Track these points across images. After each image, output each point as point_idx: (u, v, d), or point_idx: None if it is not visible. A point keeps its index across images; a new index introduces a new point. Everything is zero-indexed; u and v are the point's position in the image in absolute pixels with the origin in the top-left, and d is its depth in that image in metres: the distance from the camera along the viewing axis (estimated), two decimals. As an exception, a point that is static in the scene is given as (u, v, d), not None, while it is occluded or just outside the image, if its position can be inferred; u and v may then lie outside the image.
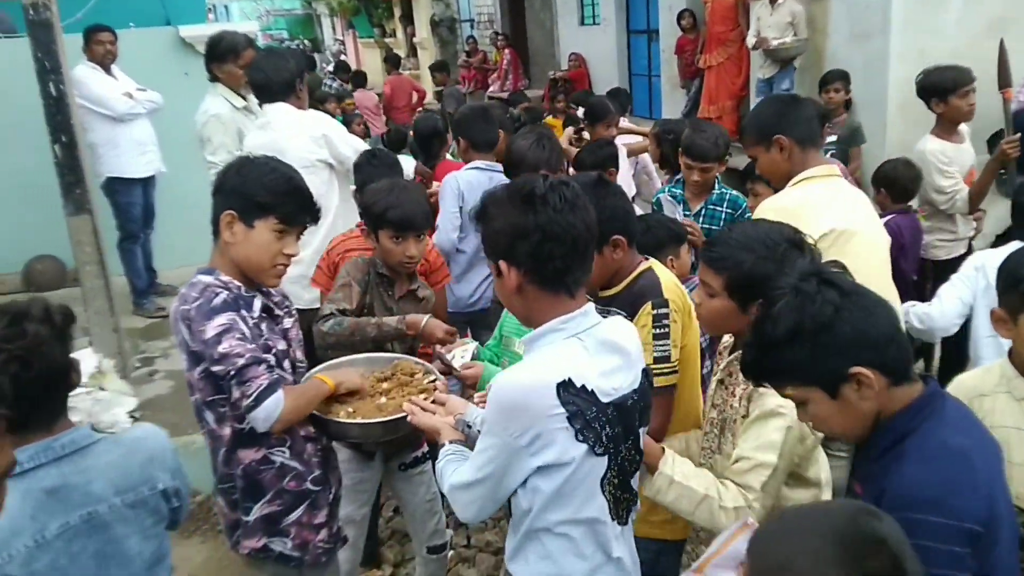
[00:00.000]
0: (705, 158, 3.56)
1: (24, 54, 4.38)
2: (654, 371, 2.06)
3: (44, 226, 5.85)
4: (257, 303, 2.10)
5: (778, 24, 7.47)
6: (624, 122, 6.36)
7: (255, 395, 1.95)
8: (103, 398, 4.31)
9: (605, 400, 1.64)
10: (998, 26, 6.81)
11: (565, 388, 1.58)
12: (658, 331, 2.16)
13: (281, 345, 2.17)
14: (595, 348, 1.65)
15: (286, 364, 2.18)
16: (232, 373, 1.95)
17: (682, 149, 3.66)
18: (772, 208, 2.61)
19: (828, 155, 5.51)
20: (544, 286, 1.65)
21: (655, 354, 2.16)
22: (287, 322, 2.25)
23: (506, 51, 14.36)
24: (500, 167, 3.75)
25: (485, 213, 1.68)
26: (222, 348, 1.94)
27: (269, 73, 3.68)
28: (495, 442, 1.63)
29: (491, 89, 14.16)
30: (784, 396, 1.57)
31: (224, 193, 2.07)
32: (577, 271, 1.65)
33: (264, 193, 2.03)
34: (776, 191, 2.83)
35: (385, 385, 2.36)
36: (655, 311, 2.18)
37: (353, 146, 3.72)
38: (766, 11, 7.58)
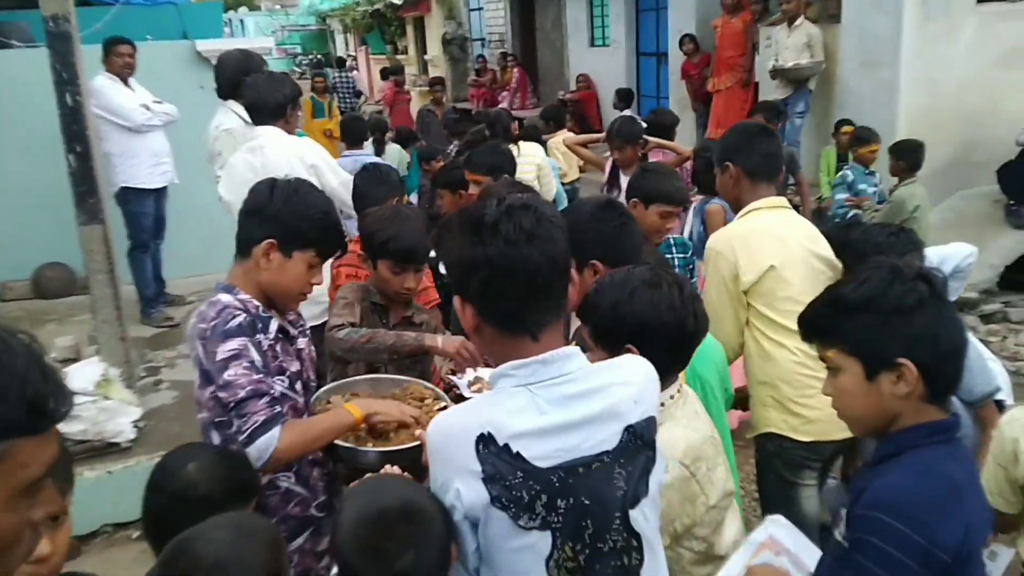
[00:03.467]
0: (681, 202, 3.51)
1: (42, 65, 4.41)
2: None
3: (55, 233, 5.90)
4: (274, 324, 2.08)
5: (795, 45, 7.53)
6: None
7: (248, 432, 1.88)
8: (108, 407, 4.35)
9: (544, 465, 1.36)
10: (1010, 56, 6.87)
11: (485, 444, 1.35)
12: None
13: (295, 366, 2.14)
14: (551, 403, 1.38)
15: (298, 385, 2.15)
16: (232, 404, 1.90)
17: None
18: (723, 238, 2.76)
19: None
20: (500, 327, 1.43)
21: None
22: (301, 342, 2.22)
23: (515, 70, 14.46)
24: (369, 154, 5.31)
25: (442, 243, 1.55)
26: (227, 375, 1.91)
27: (263, 94, 3.65)
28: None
29: (500, 107, 14.24)
30: (823, 357, 1.56)
31: (264, 218, 2.03)
32: (538, 311, 1.41)
33: (310, 228, 2.03)
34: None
35: None
36: None
37: (341, 178, 3.71)
38: (783, 33, 7.63)
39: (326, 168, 3.64)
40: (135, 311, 5.98)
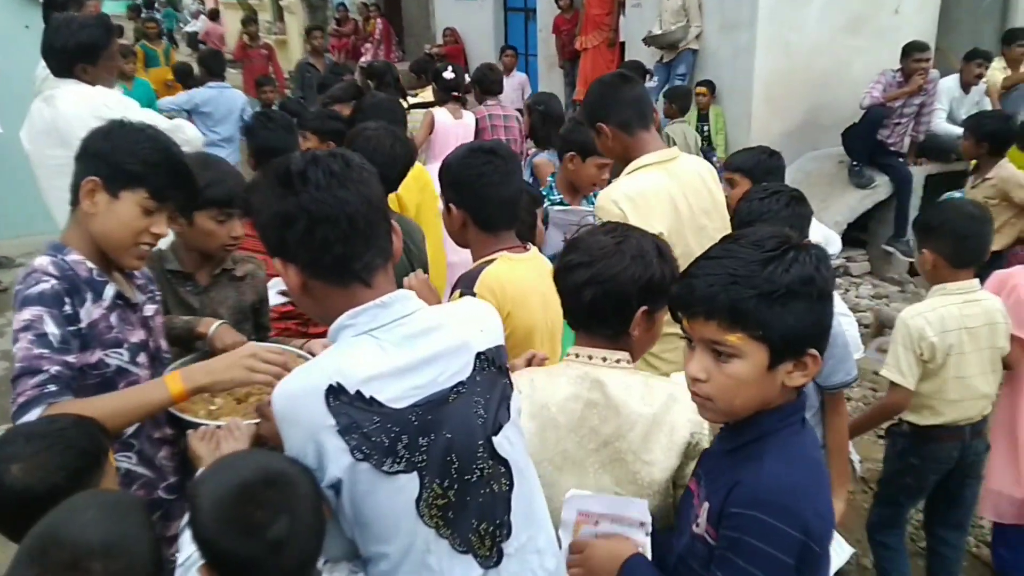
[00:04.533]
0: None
1: None
2: None
3: None
4: (109, 290, 1.87)
5: (672, 9, 7.60)
6: None
7: (13, 413, 1.70)
8: (-73, 383, 3.88)
9: (400, 405, 1.34)
10: (856, 23, 7.23)
11: (335, 395, 1.30)
12: None
13: (138, 336, 1.95)
14: (395, 345, 1.36)
15: (142, 357, 1.96)
16: (11, 379, 1.73)
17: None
18: (614, 198, 2.59)
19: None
20: (330, 280, 1.37)
21: None
22: (149, 309, 2.03)
23: (378, 21, 13.99)
24: (228, 85, 6.15)
25: (250, 207, 1.46)
26: (15, 348, 1.73)
27: (45, 43, 3.26)
28: None
29: (363, 60, 13.76)
30: (718, 340, 1.36)
31: (88, 157, 1.84)
32: (366, 255, 1.37)
33: (135, 161, 1.81)
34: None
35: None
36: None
37: (152, 120, 3.32)
38: None
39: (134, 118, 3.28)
40: (-44, 275, 5.47)
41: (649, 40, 7.71)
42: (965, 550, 3.15)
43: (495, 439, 1.44)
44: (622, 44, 8.89)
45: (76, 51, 3.17)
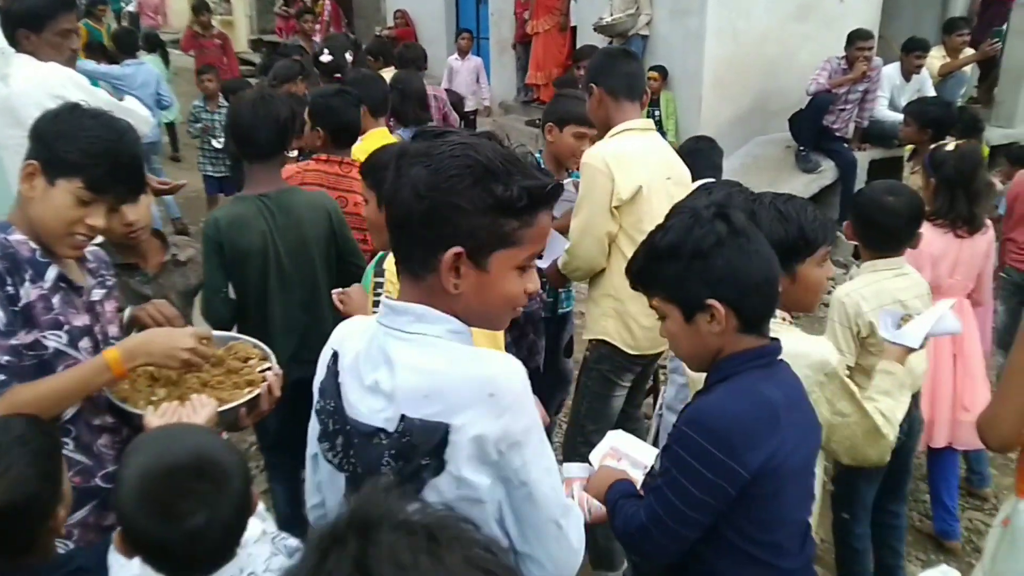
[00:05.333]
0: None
1: None
2: None
3: None
4: (52, 272, 1.84)
5: None
6: None
7: None
8: None
9: (349, 412, 1.32)
10: (803, 10, 7.34)
11: (333, 359, 1.39)
12: (375, 299, 2.24)
13: (81, 320, 1.89)
14: (385, 355, 1.29)
15: (85, 342, 1.90)
16: None
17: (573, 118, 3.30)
18: (599, 155, 2.84)
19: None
20: None
21: None
22: (96, 294, 1.97)
23: (327, 2, 13.73)
24: (142, 62, 7.02)
25: None
26: None
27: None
28: None
29: (312, 39, 13.51)
30: (652, 306, 1.63)
31: (35, 140, 1.82)
32: (399, 248, 1.31)
33: (74, 150, 1.76)
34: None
35: (214, 371, 2.02)
36: (375, 279, 2.26)
37: (105, 100, 3.31)
38: None
39: (87, 97, 3.20)
40: None
41: (599, 29, 7.73)
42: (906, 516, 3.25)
43: None
44: (573, 28, 8.88)
45: (20, 15, 3.10)
